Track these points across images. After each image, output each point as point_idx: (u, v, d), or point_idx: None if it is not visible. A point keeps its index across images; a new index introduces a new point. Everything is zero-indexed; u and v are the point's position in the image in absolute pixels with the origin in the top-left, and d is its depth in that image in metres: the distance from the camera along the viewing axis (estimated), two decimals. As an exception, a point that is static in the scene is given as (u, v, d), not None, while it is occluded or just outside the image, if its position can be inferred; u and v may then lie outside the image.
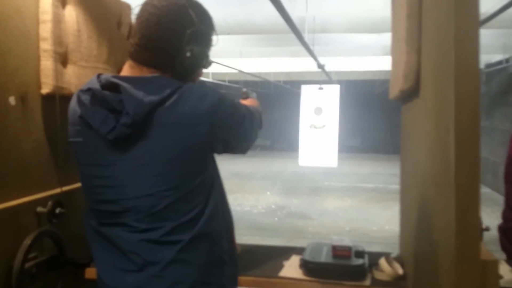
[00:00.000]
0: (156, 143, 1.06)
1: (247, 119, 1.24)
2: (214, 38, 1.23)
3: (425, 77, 1.33)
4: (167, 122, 1.06)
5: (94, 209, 1.17)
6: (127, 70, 1.16)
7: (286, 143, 15.30)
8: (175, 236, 1.09)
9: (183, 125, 1.06)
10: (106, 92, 1.06)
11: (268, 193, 9.21)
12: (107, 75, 1.13)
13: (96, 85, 1.09)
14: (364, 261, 1.72)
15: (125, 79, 1.09)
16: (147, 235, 1.09)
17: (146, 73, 1.13)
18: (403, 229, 1.89)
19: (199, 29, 1.14)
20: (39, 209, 1.46)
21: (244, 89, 1.65)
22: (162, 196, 1.07)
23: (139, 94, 1.04)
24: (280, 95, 14.18)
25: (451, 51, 0.96)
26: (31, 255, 1.41)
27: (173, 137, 1.06)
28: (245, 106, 1.28)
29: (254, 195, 8.69)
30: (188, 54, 1.13)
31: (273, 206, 8.04)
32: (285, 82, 12.70)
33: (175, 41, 1.12)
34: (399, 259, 1.76)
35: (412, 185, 1.57)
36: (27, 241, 1.38)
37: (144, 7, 1.14)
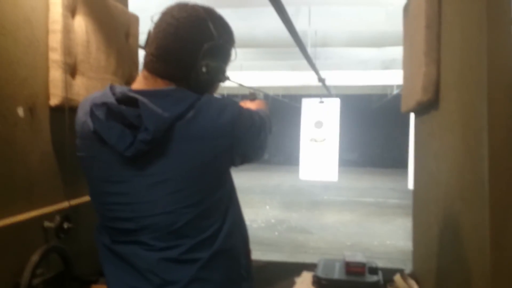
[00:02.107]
0: (175, 158, 1.01)
1: (262, 129, 1.21)
2: (233, 53, 1.19)
3: (446, 89, 1.30)
4: (186, 137, 1.01)
5: (106, 226, 1.11)
6: (141, 81, 1.12)
7: (285, 157, 15.29)
8: (195, 254, 1.04)
9: (203, 139, 1.02)
10: (123, 107, 1.02)
11: (268, 207, 9.14)
12: (122, 88, 1.08)
13: (111, 99, 1.04)
14: (379, 277, 1.67)
15: (142, 92, 1.04)
16: (165, 253, 1.04)
17: (161, 84, 1.08)
18: (417, 245, 1.84)
19: (218, 44, 1.10)
20: (47, 224, 1.41)
21: (252, 91, 1.62)
22: (181, 213, 1.03)
23: (158, 109, 1.00)
24: (279, 109, 14.19)
25: (482, 62, 0.93)
26: (38, 271, 1.36)
27: (193, 151, 1.02)
28: (258, 114, 1.23)
29: (253, 209, 8.61)
30: (204, 69, 1.09)
31: (272, 221, 7.98)
32: (284, 96, 12.71)
33: (191, 54, 1.08)
34: (413, 276, 1.71)
35: (430, 200, 1.52)
36: (34, 257, 1.33)
37: (163, 17, 1.11)
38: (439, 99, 1.35)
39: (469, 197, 1.04)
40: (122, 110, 1.01)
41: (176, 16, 1.09)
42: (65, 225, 1.44)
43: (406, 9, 1.85)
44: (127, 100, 1.02)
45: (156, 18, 1.13)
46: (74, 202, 1.54)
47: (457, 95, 1.16)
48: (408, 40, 1.77)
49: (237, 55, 1.23)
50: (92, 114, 1.04)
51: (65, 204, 1.51)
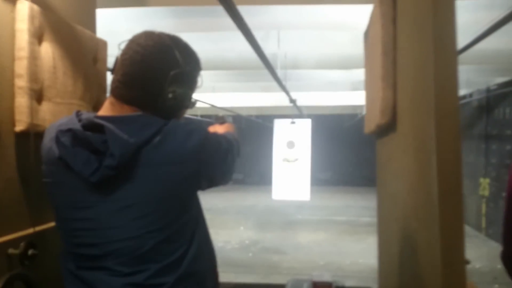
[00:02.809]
0: (141, 183, 1.03)
1: (229, 153, 1.24)
2: (200, 79, 1.22)
3: (401, 112, 1.36)
4: (153, 162, 1.03)
5: (71, 252, 1.12)
6: (107, 107, 1.14)
7: (259, 177, 15.30)
8: (161, 278, 1.05)
9: (169, 164, 1.04)
10: (89, 133, 1.03)
11: (242, 228, 9.11)
12: (88, 114, 1.10)
13: (77, 126, 1.05)
14: (345, 296, 1.70)
15: (108, 119, 1.06)
16: (131, 278, 1.04)
17: (127, 111, 1.10)
18: (382, 264, 1.89)
19: (184, 71, 1.13)
20: (11, 250, 1.39)
21: (221, 114, 1.66)
22: (147, 238, 1.04)
23: (124, 134, 1.01)
24: (252, 129, 14.26)
25: (430, 87, 0.99)
26: (2, 300, 1.34)
27: (159, 176, 1.04)
28: (225, 138, 1.27)
29: (227, 230, 8.56)
30: (170, 95, 1.11)
31: (246, 241, 7.94)
32: (257, 117, 12.80)
33: (157, 81, 1.10)
34: (379, 294, 1.75)
35: (391, 219, 1.58)
36: (-2, 285, 1.31)
37: (130, 45, 1.13)
38: (396, 122, 1.42)
39: (422, 216, 1.09)
40: (87, 136, 1.03)
41: (142, 44, 1.12)
42: (30, 252, 1.43)
43: (366, 34, 1.93)
44: (93, 126, 1.04)
45: (123, 45, 1.16)
46: (39, 228, 1.52)
47: (411, 119, 1.22)
48: (368, 64, 1.85)
49: (210, 77, 1.27)
50: (57, 140, 1.05)
51: (29, 230, 1.49)
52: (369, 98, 1.82)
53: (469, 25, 3.41)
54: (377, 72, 1.51)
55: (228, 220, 9.64)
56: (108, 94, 1.39)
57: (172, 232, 1.06)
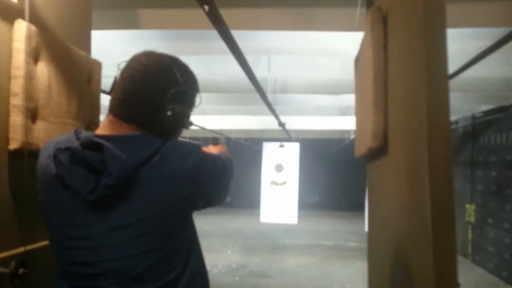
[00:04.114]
0: (138, 203, 1.03)
1: (225, 173, 1.25)
2: (198, 99, 1.25)
3: (393, 136, 1.39)
4: (150, 181, 1.04)
5: (65, 271, 1.10)
6: (106, 126, 1.14)
7: (246, 200, 15.24)
8: None
9: (166, 184, 1.05)
10: (87, 152, 1.04)
11: (229, 251, 9.02)
12: (87, 133, 1.11)
13: (75, 144, 1.06)
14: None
15: (107, 138, 1.06)
16: None
17: (126, 129, 1.11)
18: (372, 286, 1.89)
19: (183, 90, 1.15)
20: (1, 269, 1.38)
21: (215, 136, 1.67)
22: (142, 258, 1.04)
23: (123, 154, 1.02)
24: (240, 152, 14.28)
25: (422, 112, 1.02)
26: (-10, 321, 1.31)
27: (156, 196, 1.04)
28: (221, 159, 1.28)
29: (214, 253, 8.47)
30: (169, 112, 1.13)
31: (234, 265, 7.86)
32: (246, 139, 12.83)
33: (157, 99, 1.12)
34: (369, 318, 1.75)
35: (382, 242, 1.59)
36: (-14, 306, 1.29)
37: (131, 64, 1.15)
38: (388, 146, 1.45)
39: (415, 239, 1.11)
40: (86, 155, 1.03)
41: (143, 62, 1.14)
42: (20, 271, 1.41)
43: (357, 61, 1.98)
44: (91, 145, 1.05)
45: (122, 65, 1.17)
46: (30, 247, 1.51)
47: (403, 143, 1.25)
48: (359, 89, 1.89)
49: (200, 100, 1.29)
50: (55, 158, 1.05)
51: (20, 249, 1.47)
52: (359, 122, 1.85)
53: (455, 54, 3.50)
54: (368, 97, 1.55)
55: (215, 243, 9.54)
56: (103, 113, 1.40)
57: (167, 252, 1.06)
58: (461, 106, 7.63)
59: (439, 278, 0.95)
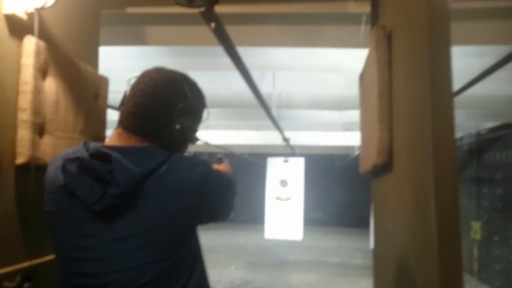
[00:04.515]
0: (143, 213, 1.04)
1: (230, 189, 1.26)
2: (205, 114, 1.27)
3: (398, 153, 1.39)
4: (156, 192, 1.05)
5: (69, 282, 1.11)
6: (115, 137, 1.17)
7: (250, 216, 15.19)
8: None
9: (172, 195, 1.06)
10: (95, 162, 1.05)
11: (232, 267, 8.97)
12: (96, 144, 1.12)
13: (84, 154, 1.07)
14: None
15: (115, 148, 1.08)
16: None
17: (134, 142, 1.13)
18: (378, 304, 1.88)
19: (192, 104, 1.18)
20: (6, 284, 1.38)
21: (219, 155, 1.68)
22: (146, 269, 1.04)
23: (130, 164, 1.04)
24: (244, 167, 14.27)
25: (427, 129, 1.02)
26: (-5, 335, 1.31)
27: (162, 207, 1.05)
28: (225, 175, 1.29)
29: (217, 269, 8.42)
30: (178, 126, 1.15)
31: (237, 282, 7.81)
32: (250, 155, 12.84)
33: (166, 112, 1.15)
34: (375, 336, 1.73)
35: (388, 259, 1.58)
36: (-9, 320, 1.29)
37: (141, 79, 1.19)
38: (393, 163, 1.45)
39: (421, 256, 1.10)
40: (94, 165, 1.04)
41: (153, 77, 1.18)
42: (26, 285, 1.41)
43: (362, 77, 1.99)
44: (100, 156, 1.06)
45: (132, 80, 1.20)
46: (36, 261, 1.51)
47: (408, 160, 1.25)
48: (363, 106, 1.89)
49: (208, 115, 1.31)
50: (64, 168, 1.06)
51: (25, 264, 1.48)
52: (364, 138, 1.86)
53: (459, 71, 3.51)
54: (373, 113, 1.55)
55: (218, 259, 9.49)
56: (110, 128, 1.41)
57: (171, 264, 1.07)
58: (466, 123, 7.62)
59: (446, 296, 0.95)
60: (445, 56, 1.05)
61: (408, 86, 1.27)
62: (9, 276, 1.40)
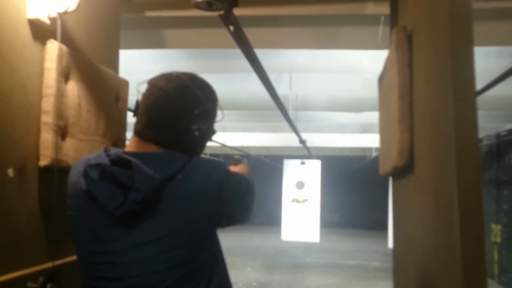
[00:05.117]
0: (164, 218, 1.05)
1: (248, 192, 1.26)
2: (219, 111, 1.26)
3: (419, 154, 1.38)
4: (176, 197, 1.06)
5: (92, 286, 1.12)
6: (133, 144, 1.17)
7: (266, 218, 15.17)
8: None
9: (191, 200, 1.07)
10: (116, 168, 1.06)
11: (249, 269, 8.97)
12: (117, 150, 1.14)
13: (105, 161, 1.09)
14: None
15: (135, 154, 1.09)
16: None
17: (153, 148, 1.14)
18: (398, 308, 1.86)
19: (206, 108, 1.18)
20: (30, 284, 1.40)
21: (236, 156, 1.69)
22: (168, 273, 1.05)
23: (150, 170, 1.05)
24: (259, 169, 14.28)
25: (450, 130, 1.01)
26: (19, 334, 1.33)
27: (182, 212, 1.06)
28: (243, 177, 1.29)
29: (234, 271, 8.41)
30: (196, 133, 1.16)
31: (254, 284, 7.80)
32: (266, 157, 12.84)
33: (183, 122, 1.15)
34: None
35: (409, 262, 1.57)
36: (16, 320, 1.31)
37: (151, 90, 1.17)
38: (414, 164, 1.43)
39: (443, 259, 1.09)
40: (115, 171, 1.06)
41: (164, 88, 1.16)
42: (48, 286, 1.43)
43: (381, 79, 1.98)
44: (120, 162, 1.07)
45: (141, 88, 1.20)
46: (58, 262, 1.53)
47: (429, 161, 1.24)
48: (383, 107, 1.88)
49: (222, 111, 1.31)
50: (86, 174, 1.08)
51: (48, 265, 1.50)
52: (384, 140, 1.84)
53: (479, 72, 3.46)
54: (393, 115, 1.54)
55: (234, 261, 9.50)
56: (130, 131, 1.43)
57: (192, 268, 1.07)
58: (486, 124, 7.51)
59: (470, 299, 0.94)
60: (468, 56, 1.04)
61: (429, 87, 1.26)
62: (32, 276, 1.42)
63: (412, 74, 1.48)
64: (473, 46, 1.05)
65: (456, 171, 0.98)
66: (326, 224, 14.08)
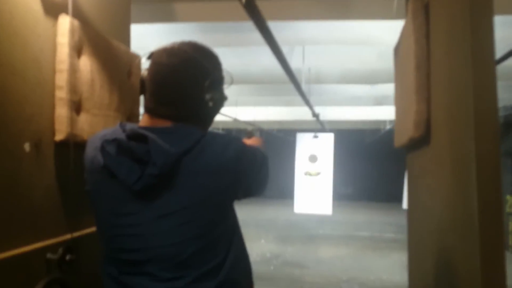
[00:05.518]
0: (181, 192, 1.06)
1: (264, 164, 1.26)
2: (225, 73, 1.24)
3: (436, 125, 1.36)
4: (192, 171, 1.06)
5: (113, 258, 1.15)
6: (147, 121, 1.16)
7: (278, 191, 15.26)
8: (200, 284, 1.07)
9: (208, 174, 1.07)
10: (132, 143, 1.07)
11: (262, 241, 9.09)
12: (132, 125, 1.14)
13: (121, 136, 1.09)
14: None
15: (151, 129, 1.09)
16: (172, 284, 1.07)
17: (167, 123, 1.14)
18: (412, 278, 1.87)
19: (215, 76, 1.17)
20: (49, 255, 1.43)
21: (250, 129, 1.68)
22: (187, 245, 1.07)
23: (166, 144, 1.05)
24: (273, 143, 14.29)
25: (469, 101, 0.99)
26: (40, 303, 1.37)
27: (198, 185, 1.06)
28: (259, 150, 1.28)
29: (248, 243, 8.40)
30: (211, 103, 1.15)
31: (268, 254, 7.92)
32: (279, 131, 12.82)
33: (196, 96, 1.13)
34: (410, 309, 1.73)
35: (424, 233, 1.57)
36: (37, 289, 1.35)
37: (156, 68, 1.15)
38: (430, 135, 1.42)
39: (460, 230, 1.09)
40: (131, 146, 1.06)
41: (169, 64, 1.13)
42: (67, 257, 1.46)
43: (397, 49, 1.94)
44: (136, 137, 1.08)
45: (144, 61, 1.18)
46: (76, 234, 1.56)
47: (447, 132, 1.22)
48: (399, 78, 1.85)
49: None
50: (102, 149, 1.09)
51: (67, 236, 1.53)
52: (399, 112, 1.82)
53: (497, 41, 3.38)
54: (409, 86, 1.52)
55: (248, 233, 9.57)
56: (142, 105, 1.43)
57: (211, 239, 1.09)
58: (502, 95, 7.38)
59: (486, 270, 0.93)
60: (488, 25, 1.01)
61: (447, 57, 1.23)
62: (52, 248, 1.45)
63: (429, 44, 1.45)
64: (493, 15, 1.02)
65: (475, 141, 0.97)
66: (339, 197, 14.14)
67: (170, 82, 1.13)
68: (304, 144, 7.51)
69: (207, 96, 1.14)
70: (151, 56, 1.18)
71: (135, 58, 2.10)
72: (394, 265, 7.02)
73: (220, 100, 1.19)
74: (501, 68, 3.93)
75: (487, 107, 0.98)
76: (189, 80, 1.13)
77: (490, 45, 1.02)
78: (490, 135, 0.97)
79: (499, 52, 3.23)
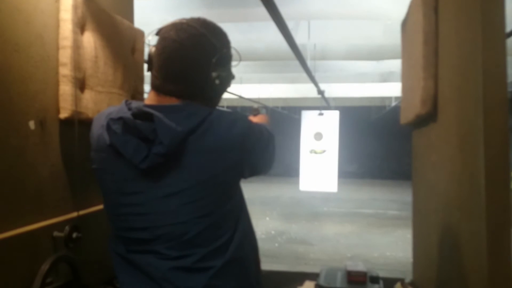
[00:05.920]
0: (188, 170, 1.06)
1: (270, 142, 1.25)
2: (234, 52, 1.22)
3: (443, 102, 1.35)
4: (199, 150, 1.05)
5: (121, 236, 1.15)
6: (153, 99, 1.15)
7: (283, 169, 15.30)
8: (207, 262, 1.08)
9: (214, 152, 1.06)
10: (138, 121, 1.06)
11: (267, 218, 9.16)
12: (138, 103, 1.13)
13: (127, 114, 1.08)
14: (380, 286, 1.70)
15: (157, 107, 1.08)
16: (179, 262, 1.08)
17: (173, 101, 1.12)
18: (417, 254, 1.88)
19: (223, 54, 1.15)
20: (56, 233, 1.45)
21: (256, 106, 1.67)
22: (194, 223, 1.07)
23: (172, 123, 1.04)
24: (278, 120, 14.25)
25: (478, 77, 0.97)
26: (48, 280, 1.39)
27: (205, 164, 1.06)
28: (265, 128, 1.27)
29: (253, 220, 8.57)
30: (217, 81, 1.13)
31: (272, 232, 7.99)
32: (283, 108, 12.78)
33: (203, 72, 1.11)
34: (413, 285, 1.75)
35: (429, 210, 1.56)
36: (45, 266, 1.36)
37: (164, 43, 1.12)
38: (437, 112, 1.40)
39: (466, 207, 1.08)
40: (137, 125, 1.05)
41: (177, 39, 1.11)
42: (74, 235, 1.48)
43: (404, 24, 1.90)
44: (142, 115, 1.07)
45: (151, 39, 1.16)
46: (83, 212, 1.57)
47: (455, 109, 1.21)
48: (406, 54, 1.82)
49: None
50: (108, 128, 1.08)
51: (73, 214, 1.54)
52: (406, 88, 1.80)
53: (507, 15, 3.32)
54: (417, 62, 1.49)
55: (253, 211, 9.58)
56: (147, 83, 1.41)
57: (218, 218, 1.09)
58: (509, 71, 7.29)
59: (492, 247, 0.93)
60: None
61: (456, 32, 1.21)
62: (58, 226, 1.46)
63: (438, 18, 1.42)
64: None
65: (483, 118, 0.95)
66: (344, 174, 14.15)
67: (177, 56, 1.11)
68: (309, 121, 7.49)
69: (214, 74, 1.13)
70: (159, 32, 1.16)
71: (139, 34, 2.07)
72: (398, 242, 7.07)
73: (227, 78, 1.17)
74: (509, 42, 3.87)
75: (496, 83, 0.96)
76: (196, 55, 1.11)
77: (500, 18, 1.00)
78: (499, 111, 0.95)
79: (508, 26, 3.17)
